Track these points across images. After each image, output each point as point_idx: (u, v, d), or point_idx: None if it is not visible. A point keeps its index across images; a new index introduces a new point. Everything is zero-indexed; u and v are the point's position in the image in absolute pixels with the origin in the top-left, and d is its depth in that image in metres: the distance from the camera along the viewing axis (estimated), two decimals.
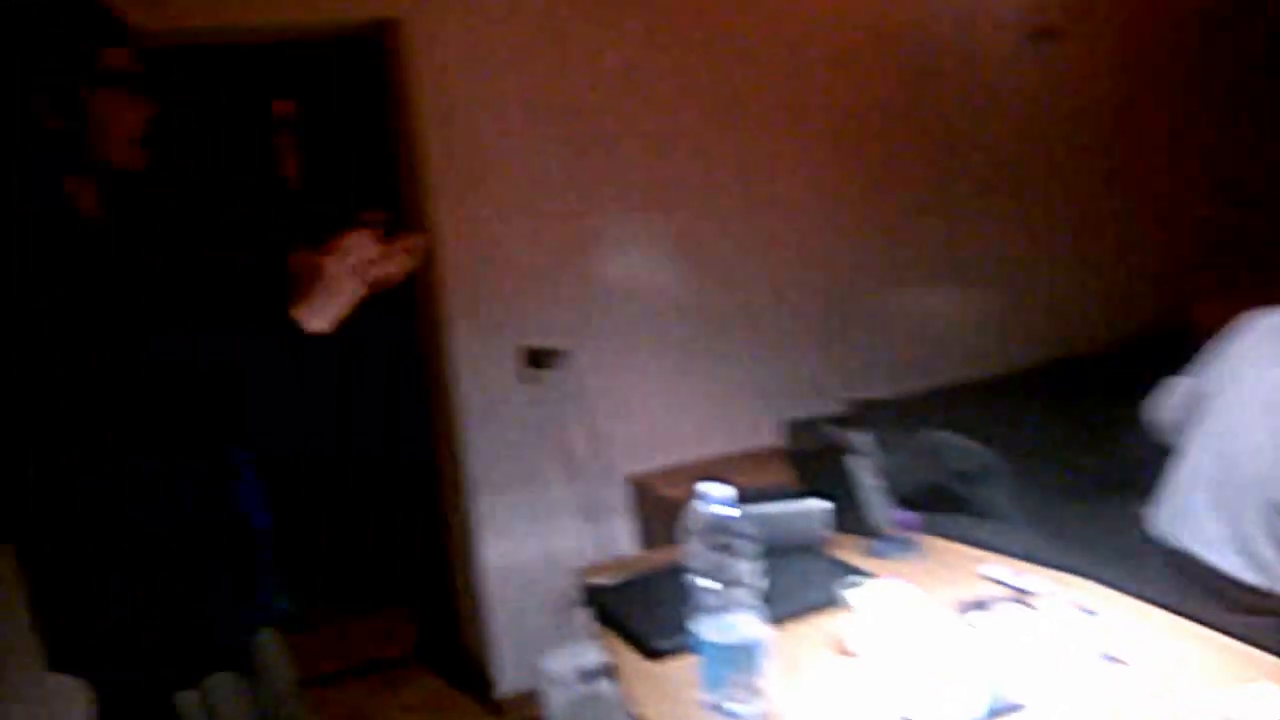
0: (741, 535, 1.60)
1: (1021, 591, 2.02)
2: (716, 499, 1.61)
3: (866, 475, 2.38)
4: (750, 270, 3.92)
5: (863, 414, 3.71)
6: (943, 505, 3.18)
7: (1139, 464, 3.86)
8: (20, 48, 1.56)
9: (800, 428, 3.78)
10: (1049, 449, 3.74)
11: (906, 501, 3.11)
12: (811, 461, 2.55)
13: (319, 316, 1.62)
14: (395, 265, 1.76)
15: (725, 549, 1.60)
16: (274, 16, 3.34)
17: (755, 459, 3.87)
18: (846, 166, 3.98)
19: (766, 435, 3.95)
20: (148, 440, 1.55)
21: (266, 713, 1.87)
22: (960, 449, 3.17)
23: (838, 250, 4.00)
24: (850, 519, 2.38)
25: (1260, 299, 4.28)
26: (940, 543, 2.38)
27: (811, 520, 2.30)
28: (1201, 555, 2.49)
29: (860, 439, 2.39)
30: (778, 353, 3.97)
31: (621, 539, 3.96)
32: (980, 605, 1.96)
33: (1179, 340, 4.23)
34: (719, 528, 1.60)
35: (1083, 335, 4.34)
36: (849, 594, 1.92)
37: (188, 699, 1.70)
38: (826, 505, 2.30)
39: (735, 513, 1.60)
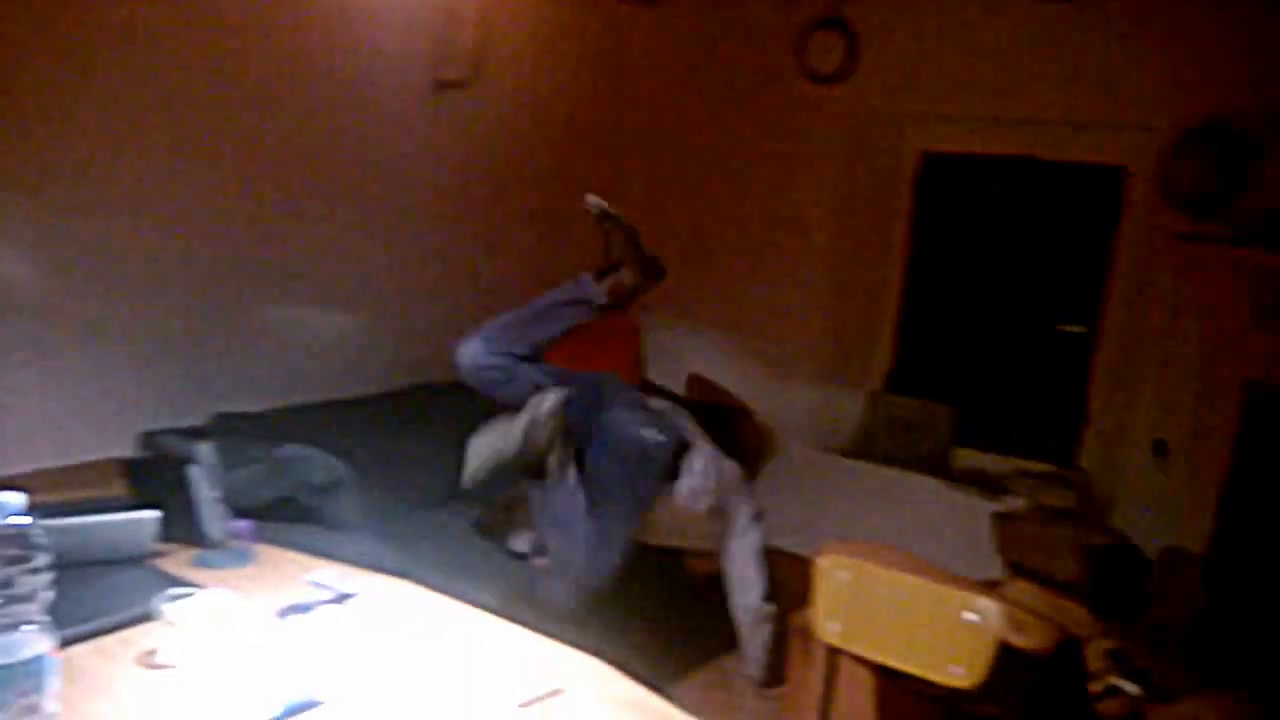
0: (34, 547, 1.50)
1: (344, 595, 2.13)
2: (7, 509, 1.50)
3: (203, 486, 2.34)
4: (116, 274, 3.64)
5: (220, 427, 3.63)
6: (293, 516, 3.23)
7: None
8: None
9: (149, 439, 3.60)
10: (403, 464, 3.95)
11: (249, 512, 3.10)
12: (149, 472, 2.45)
13: None
14: None
15: (16, 562, 1.49)
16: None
17: (103, 469, 3.60)
18: (225, 183, 3.87)
19: (127, 446, 3.70)
20: None
21: None
22: (311, 462, 3.23)
23: (209, 265, 3.87)
24: (185, 530, 2.33)
25: (592, 346, 5.04)
26: (275, 551, 2.41)
27: (136, 532, 2.21)
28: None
29: (200, 449, 2.35)
30: (141, 363, 3.73)
31: None
32: (300, 609, 2.02)
33: None
34: (8, 539, 1.49)
35: (441, 363, 4.64)
36: (166, 607, 1.89)
37: None
38: (152, 516, 2.23)
39: (27, 522, 1.50)
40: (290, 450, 3.24)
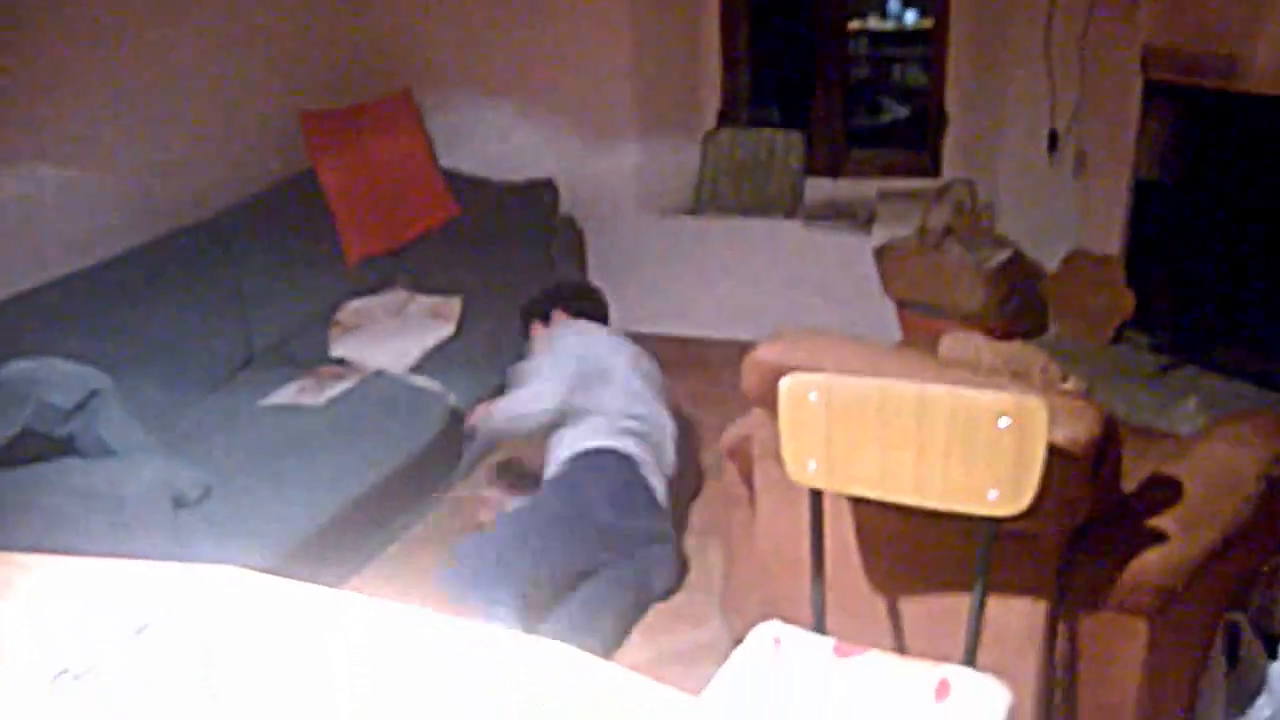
0: None
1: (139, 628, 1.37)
2: None
3: None
4: None
5: None
6: (39, 454, 2.37)
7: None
8: None
9: None
10: (172, 340, 3.06)
11: None
12: None
13: None
14: None
15: None
16: None
17: None
18: None
19: None
20: None
21: None
22: (52, 377, 2.33)
23: None
24: None
25: (366, 134, 4.03)
26: (36, 560, 1.59)
27: None
28: None
29: None
30: None
31: None
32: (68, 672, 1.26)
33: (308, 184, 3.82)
34: None
35: (194, 201, 3.60)
36: None
37: None
38: None
39: None
40: (18, 369, 2.33)
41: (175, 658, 1.29)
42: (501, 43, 4.28)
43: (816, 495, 1.88)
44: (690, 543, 2.97)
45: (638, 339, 4.28)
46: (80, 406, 2.41)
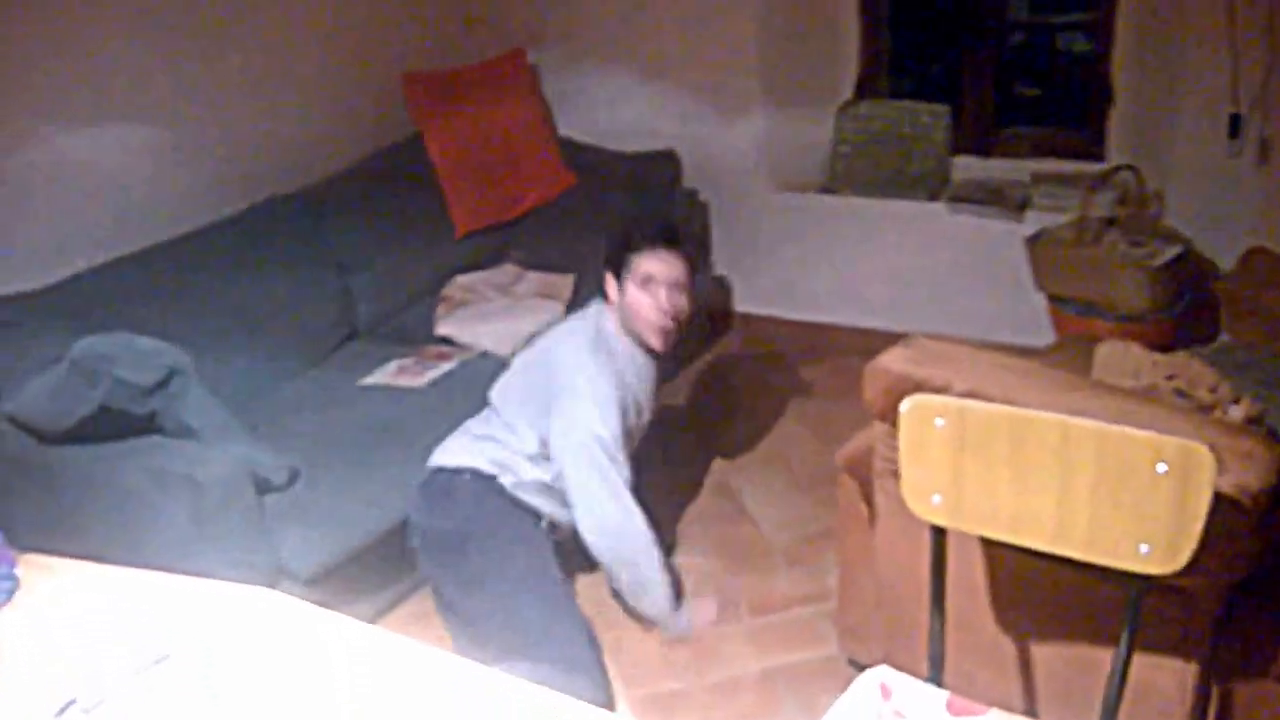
0: None
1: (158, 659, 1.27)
2: None
3: None
4: None
5: None
6: (118, 431, 2.32)
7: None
8: None
9: None
10: (260, 317, 2.95)
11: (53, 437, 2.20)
12: None
13: None
14: None
15: None
16: None
17: None
18: None
19: None
20: None
21: None
22: (129, 354, 2.27)
23: None
24: None
25: (479, 99, 3.86)
26: (45, 569, 1.51)
27: None
28: None
29: None
30: None
31: None
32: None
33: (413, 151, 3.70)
34: None
35: (281, 170, 3.51)
36: None
37: None
38: None
39: None
40: (96, 344, 2.27)
41: (193, 696, 1.18)
42: (618, 6, 4.07)
43: (939, 531, 1.67)
44: (805, 549, 2.78)
45: (759, 321, 4.13)
46: (160, 385, 2.34)
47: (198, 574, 1.50)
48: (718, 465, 3.21)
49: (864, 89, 4.14)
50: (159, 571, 1.49)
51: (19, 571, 1.46)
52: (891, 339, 2.00)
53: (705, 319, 3.94)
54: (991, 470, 1.56)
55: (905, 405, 1.62)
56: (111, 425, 2.26)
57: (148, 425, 2.32)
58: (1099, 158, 3.71)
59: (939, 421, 1.59)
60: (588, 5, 4.11)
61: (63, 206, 2.90)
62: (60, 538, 1.75)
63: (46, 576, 1.47)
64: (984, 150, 4.00)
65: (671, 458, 3.20)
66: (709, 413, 3.58)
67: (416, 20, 4.02)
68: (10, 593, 1.43)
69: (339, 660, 1.28)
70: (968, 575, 1.85)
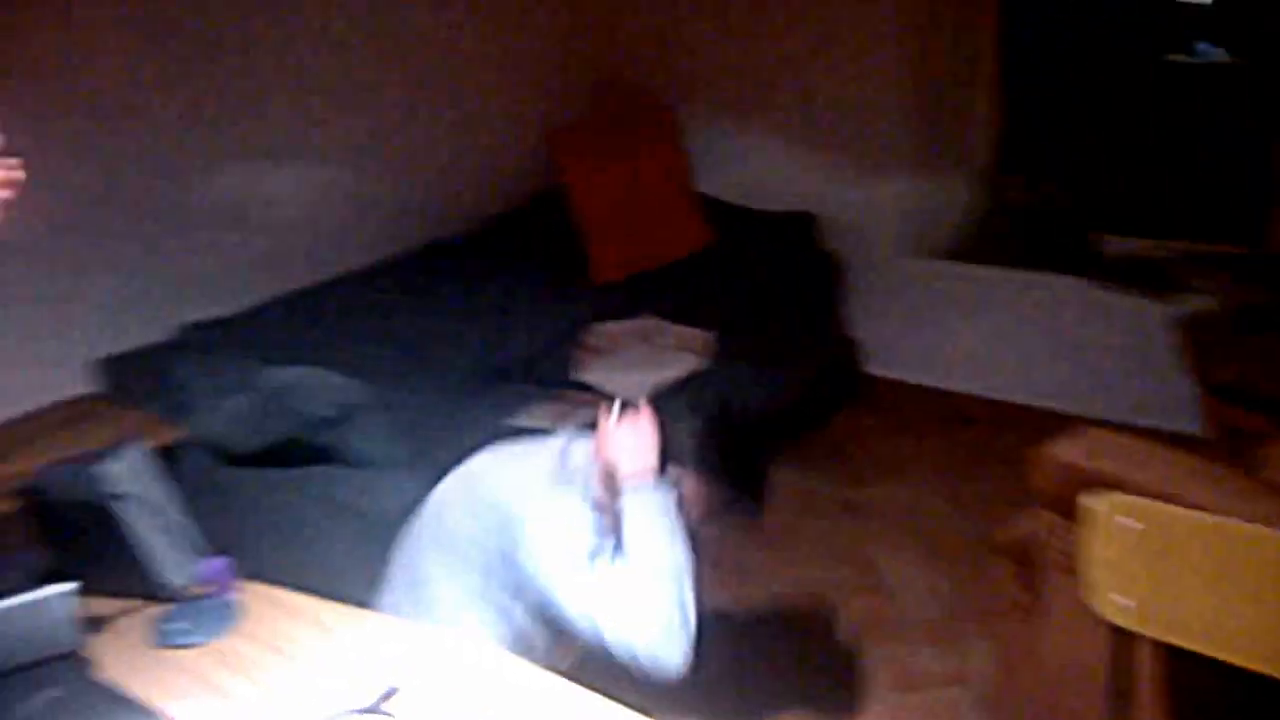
0: None
1: (386, 694, 1.32)
2: None
3: (142, 518, 1.50)
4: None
5: (191, 340, 2.77)
6: (300, 459, 2.42)
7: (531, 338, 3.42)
8: None
9: (111, 365, 2.76)
10: (426, 348, 3.10)
11: (241, 459, 2.30)
12: (63, 507, 1.58)
13: None
14: None
15: None
16: None
17: (69, 413, 2.76)
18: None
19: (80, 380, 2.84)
20: None
21: None
22: (314, 387, 2.37)
23: (148, 139, 2.91)
24: (128, 578, 1.52)
25: (624, 154, 3.96)
26: (267, 597, 1.58)
27: (46, 619, 1.39)
28: None
29: (121, 466, 1.49)
30: (85, 279, 2.82)
31: None
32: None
33: (556, 202, 3.81)
34: None
35: (449, 211, 3.71)
36: None
37: None
38: (67, 589, 1.40)
39: None
40: (284, 375, 2.38)
41: None
42: (761, 63, 4.11)
43: (1121, 634, 1.64)
44: (946, 627, 2.75)
45: (890, 385, 4.08)
46: (342, 419, 2.43)
47: (357, 604, 1.56)
48: (853, 532, 3.20)
49: (1002, 157, 4.11)
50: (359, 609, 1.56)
51: (243, 599, 1.54)
52: (1023, 412, 1.98)
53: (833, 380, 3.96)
54: (1188, 579, 1.53)
55: (1094, 502, 1.61)
56: (291, 453, 2.35)
57: (325, 455, 2.41)
58: (1261, 244, 3.61)
59: (1132, 522, 1.57)
60: (733, 62, 4.17)
61: (256, 240, 3.15)
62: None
63: (275, 610, 1.53)
64: (1131, 228, 3.94)
65: (805, 522, 3.19)
66: (843, 477, 3.55)
67: (564, 78, 4.19)
68: (234, 618, 1.50)
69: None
70: (1148, 686, 1.81)
